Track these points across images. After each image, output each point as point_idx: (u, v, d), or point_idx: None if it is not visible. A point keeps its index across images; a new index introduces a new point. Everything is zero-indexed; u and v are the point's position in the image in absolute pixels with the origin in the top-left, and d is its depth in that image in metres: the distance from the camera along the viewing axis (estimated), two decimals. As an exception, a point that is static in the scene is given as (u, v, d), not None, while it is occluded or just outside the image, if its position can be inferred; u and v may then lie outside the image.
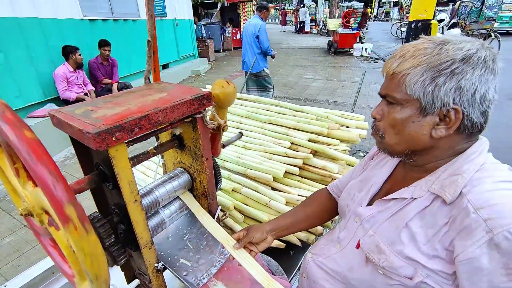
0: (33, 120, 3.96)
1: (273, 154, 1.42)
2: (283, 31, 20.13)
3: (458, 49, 0.56)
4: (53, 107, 4.23)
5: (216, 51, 11.34)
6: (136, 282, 1.00)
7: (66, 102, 4.39)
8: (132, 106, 0.72)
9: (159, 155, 1.14)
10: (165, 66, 7.54)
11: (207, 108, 0.83)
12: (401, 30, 5.80)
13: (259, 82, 4.31)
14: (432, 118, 0.59)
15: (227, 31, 12.31)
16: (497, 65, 0.57)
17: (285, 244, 1.11)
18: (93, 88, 4.68)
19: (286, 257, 1.09)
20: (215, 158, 1.05)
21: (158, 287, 0.86)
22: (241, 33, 4.28)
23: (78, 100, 4.31)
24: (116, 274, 0.98)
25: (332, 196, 1.00)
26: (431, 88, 0.57)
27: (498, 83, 0.58)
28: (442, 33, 6.95)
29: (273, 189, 1.30)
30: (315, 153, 1.40)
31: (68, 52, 4.18)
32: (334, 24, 11.95)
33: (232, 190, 1.30)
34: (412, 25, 2.46)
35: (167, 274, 0.88)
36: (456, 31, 6.93)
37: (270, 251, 1.07)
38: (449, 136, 0.60)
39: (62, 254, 0.68)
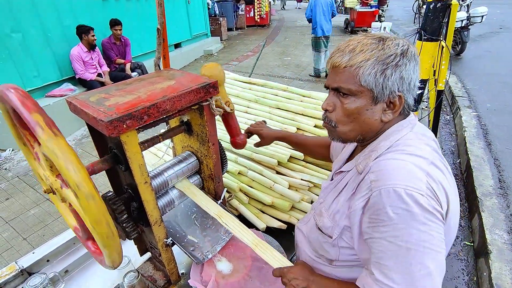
0: (51, 99, 4.10)
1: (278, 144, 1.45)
2: (299, 8, 19.32)
3: (396, 45, 0.65)
4: (69, 87, 4.35)
5: (229, 29, 11.10)
6: (148, 255, 1.09)
7: (82, 82, 4.50)
8: (142, 94, 0.76)
9: (169, 139, 1.20)
10: (177, 46, 7.50)
11: (213, 96, 0.87)
12: (419, 11, 5.45)
13: (326, 43, 5.66)
14: (381, 104, 0.68)
15: (240, 9, 11.97)
16: (417, 58, 0.69)
17: (286, 226, 1.17)
18: (108, 69, 4.75)
19: (288, 237, 1.16)
20: (221, 142, 1.09)
21: (167, 260, 0.94)
22: (313, 5, 5.38)
23: (94, 80, 4.41)
24: (130, 247, 1.07)
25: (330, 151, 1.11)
26: (382, 79, 0.65)
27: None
28: (468, 11, 6.52)
29: (277, 173, 1.35)
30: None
31: (81, 32, 4.22)
32: (352, 1, 11.39)
33: (238, 173, 1.35)
34: (431, 6, 2.34)
35: (175, 249, 0.96)
36: (484, 8, 6.50)
37: (271, 232, 1.13)
38: (395, 118, 0.70)
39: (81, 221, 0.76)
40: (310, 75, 6.32)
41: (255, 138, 1.24)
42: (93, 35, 4.29)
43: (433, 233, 0.58)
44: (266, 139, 1.19)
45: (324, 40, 5.62)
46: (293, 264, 0.82)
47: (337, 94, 0.71)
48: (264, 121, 1.28)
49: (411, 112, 0.74)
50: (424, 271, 0.58)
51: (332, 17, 5.54)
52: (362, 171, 0.69)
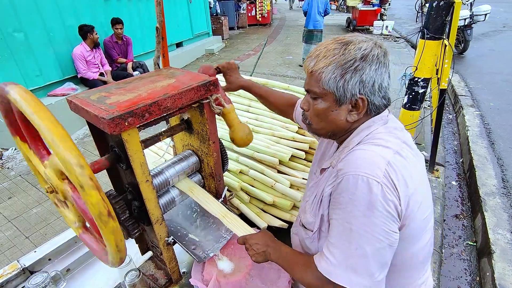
0: (53, 98, 4.11)
1: (281, 138, 1.45)
2: (300, 7, 19.31)
3: (358, 49, 0.67)
4: (71, 86, 4.36)
5: (230, 28, 11.09)
6: (149, 253, 1.09)
7: (84, 81, 4.51)
8: (142, 92, 0.76)
9: (170, 137, 1.19)
10: (178, 45, 7.50)
11: (213, 94, 0.86)
12: (421, 10, 5.45)
13: (320, 37, 6.10)
14: (346, 106, 0.72)
15: (242, 8, 11.96)
16: (387, 59, 0.70)
17: (287, 225, 1.17)
18: (110, 69, 4.75)
19: (289, 236, 1.15)
20: (222, 140, 1.09)
21: (169, 259, 0.94)
22: (308, 1, 5.96)
23: (96, 79, 4.42)
24: (131, 246, 1.07)
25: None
26: (341, 83, 0.68)
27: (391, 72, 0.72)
28: (471, 9, 6.48)
29: (279, 172, 1.34)
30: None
31: (85, 31, 4.22)
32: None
33: (240, 172, 1.35)
34: (434, 4, 2.33)
35: (177, 247, 0.96)
36: (487, 6, 6.45)
37: (273, 231, 1.13)
38: (362, 118, 0.74)
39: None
40: (300, 66, 6.77)
41: (254, 136, 1.21)
42: (96, 33, 4.30)
43: (377, 221, 0.62)
44: (232, 85, 1.16)
45: (317, 33, 6.10)
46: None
47: (309, 96, 0.77)
48: (236, 64, 1.21)
49: (386, 108, 0.77)
50: (360, 252, 0.63)
51: (324, 15, 6.04)
52: (335, 165, 0.73)
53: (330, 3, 17.85)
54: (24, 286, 1.00)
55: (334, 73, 0.68)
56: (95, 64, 4.49)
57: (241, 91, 1.78)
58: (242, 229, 0.91)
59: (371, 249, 0.63)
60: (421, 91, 2.71)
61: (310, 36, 6.15)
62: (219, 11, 10.45)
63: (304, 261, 0.76)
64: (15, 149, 3.79)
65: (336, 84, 0.69)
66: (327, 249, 0.69)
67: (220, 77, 1.18)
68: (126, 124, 0.66)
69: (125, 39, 5.00)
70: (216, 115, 0.92)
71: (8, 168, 3.51)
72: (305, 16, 6.12)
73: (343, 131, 0.77)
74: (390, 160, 0.64)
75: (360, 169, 0.63)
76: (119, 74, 4.76)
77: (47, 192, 0.71)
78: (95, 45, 4.37)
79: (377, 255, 0.63)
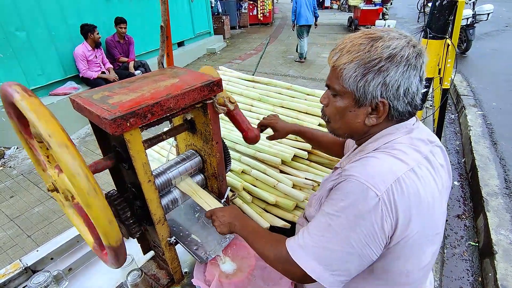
0: (55, 97, 4.12)
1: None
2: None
3: (386, 47, 0.61)
4: (73, 85, 4.36)
5: (232, 27, 11.08)
6: (151, 253, 1.09)
7: (85, 80, 4.51)
8: (145, 92, 0.75)
9: (173, 137, 1.19)
10: (180, 44, 7.50)
11: (217, 94, 0.86)
12: (423, 9, 5.45)
13: (308, 30, 6.77)
14: (365, 108, 0.67)
15: (243, 7, 11.94)
16: (420, 61, 0.63)
17: (290, 225, 1.17)
18: (112, 66, 4.76)
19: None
20: (224, 140, 1.08)
21: (171, 259, 0.94)
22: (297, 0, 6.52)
23: (99, 78, 4.42)
24: (133, 246, 1.07)
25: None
26: (362, 83, 0.63)
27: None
28: (473, 9, 6.45)
29: (281, 172, 1.34)
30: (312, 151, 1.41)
31: (86, 31, 4.22)
32: (356, -1, 11.31)
33: (242, 172, 1.34)
34: (437, 3, 2.31)
35: (179, 248, 0.95)
36: (489, 6, 6.42)
37: (275, 231, 1.12)
38: (382, 123, 0.69)
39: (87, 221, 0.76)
40: (296, 61, 7.23)
41: (268, 132, 1.22)
42: (97, 33, 4.30)
43: (358, 230, 0.59)
44: (280, 132, 1.15)
45: (306, 28, 6.72)
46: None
47: (330, 91, 0.73)
48: (277, 115, 1.22)
49: (412, 116, 0.71)
50: (329, 246, 0.62)
51: (314, 15, 6.70)
52: (344, 165, 0.71)
53: (332, 2, 17.95)
54: (26, 285, 1.00)
55: (355, 71, 0.63)
56: (97, 64, 4.49)
57: (243, 91, 1.78)
58: (211, 204, 0.95)
59: (340, 250, 0.61)
60: (423, 90, 2.69)
61: (301, 31, 6.73)
62: (220, 10, 10.43)
63: (273, 237, 0.77)
64: (17, 148, 3.80)
65: (357, 84, 0.64)
66: (301, 231, 0.68)
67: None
68: (128, 124, 0.66)
69: (127, 38, 5.00)
70: (219, 115, 0.92)
71: (10, 167, 3.52)
72: (293, 14, 6.67)
73: (361, 133, 0.72)
74: (401, 177, 0.59)
75: (365, 177, 0.60)
76: (121, 73, 4.76)
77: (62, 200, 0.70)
78: (96, 45, 4.37)
79: (343, 257, 0.61)
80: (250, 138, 1.07)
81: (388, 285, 0.70)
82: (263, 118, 1.17)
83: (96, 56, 4.44)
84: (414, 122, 0.70)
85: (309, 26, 6.74)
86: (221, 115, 0.94)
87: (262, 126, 1.16)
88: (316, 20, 6.83)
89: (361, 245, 0.60)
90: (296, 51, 7.23)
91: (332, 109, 0.72)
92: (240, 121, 1.04)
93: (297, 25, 6.64)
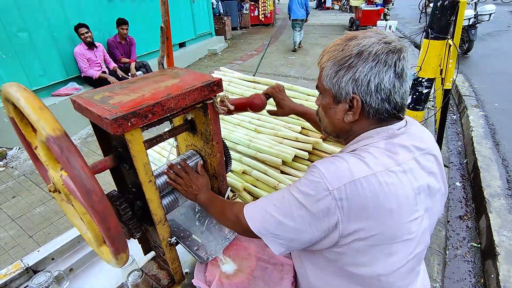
0: (57, 98, 4.13)
1: (284, 138, 1.44)
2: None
3: (356, 45, 0.64)
4: (75, 86, 4.38)
5: (233, 28, 11.09)
6: (152, 253, 1.09)
7: (87, 80, 4.53)
8: (146, 92, 0.75)
9: (173, 137, 1.19)
10: (181, 45, 7.52)
11: (217, 94, 0.86)
12: (425, 10, 5.45)
13: (302, 25, 7.83)
14: (343, 105, 0.69)
15: (244, 8, 11.96)
16: (394, 57, 0.63)
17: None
18: (116, 65, 4.77)
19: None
20: (225, 141, 1.08)
21: (171, 259, 0.94)
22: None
23: (100, 78, 4.43)
24: (134, 246, 1.07)
25: None
26: (336, 80, 0.67)
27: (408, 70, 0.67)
28: (475, 9, 6.43)
29: (282, 172, 1.34)
30: (325, 138, 1.41)
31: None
32: (357, -1, 11.31)
33: (243, 172, 1.34)
34: (439, 3, 2.31)
35: (179, 248, 0.95)
36: (491, 6, 6.40)
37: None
38: (359, 120, 0.69)
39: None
40: (292, 51, 8.21)
41: (257, 136, 1.22)
42: (82, 33, 4.19)
43: (303, 209, 0.63)
44: (285, 110, 1.11)
45: (299, 22, 7.72)
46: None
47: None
48: (283, 88, 1.16)
49: (401, 119, 0.70)
50: (274, 213, 0.67)
51: (306, 11, 7.62)
52: None
53: (333, 3, 17.97)
54: (27, 286, 1.00)
55: (331, 69, 0.67)
56: (97, 63, 4.50)
57: (244, 91, 1.78)
58: None
59: (280, 217, 0.66)
60: (425, 91, 2.69)
61: (294, 24, 7.81)
62: (221, 11, 10.45)
63: (234, 205, 0.83)
64: (19, 149, 3.81)
65: (332, 81, 0.67)
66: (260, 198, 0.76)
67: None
68: (129, 124, 0.66)
69: (128, 39, 5.02)
70: (220, 116, 0.92)
71: (12, 167, 3.53)
72: (288, 9, 7.82)
73: (344, 132, 0.74)
74: (358, 179, 0.59)
75: (325, 171, 0.62)
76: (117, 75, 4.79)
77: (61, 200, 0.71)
78: (88, 44, 4.31)
79: (285, 227, 0.66)
80: (257, 105, 1.04)
81: (359, 285, 0.69)
82: (270, 87, 1.12)
83: (96, 55, 4.44)
84: (401, 127, 0.69)
85: (302, 20, 7.70)
86: (221, 115, 0.93)
87: (266, 95, 1.11)
88: (307, 16, 7.75)
89: (302, 221, 0.63)
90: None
91: (319, 107, 0.77)
92: (243, 100, 1.03)
93: (291, 19, 7.76)
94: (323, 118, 0.77)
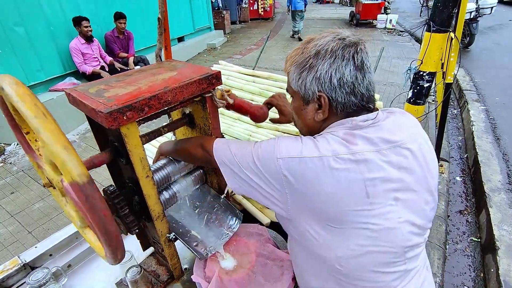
0: (55, 93, 4.09)
1: (285, 133, 1.42)
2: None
3: (314, 46, 0.67)
4: (72, 81, 4.34)
5: (232, 22, 10.99)
6: (151, 249, 1.08)
7: (85, 75, 4.48)
8: (142, 85, 0.73)
9: (171, 132, 1.17)
10: (180, 39, 7.44)
11: (216, 87, 0.84)
12: (426, 3, 5.38)
13: (302, 16, 8.57)
14: (312, 105, 0.71)
15: (243, 1, 11.83)
16: (351, 51, 0.65)
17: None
18: (112, 59, 4.71)
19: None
20: (225, 135, 1.06)
21: (170, 255, 0.93)
22: None
23: (94, 73, 4.38)
24: (133, 242, 1.06)
25: None
26: (301, 82, 0.70)
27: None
28: (477, 2, 6.36)
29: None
30: None
31: (75, 24, 4.15)
32: (358, -7, 11.19)
33: (242, 167, 1.33)
34: (440, -4, 2.27)
35: (178, 244, 0.94)
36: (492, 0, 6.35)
37: (276, 227, 1.11)
38: (329, 117, 0.71)
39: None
40: (290, 37, 9.03)
41: (256, 131, 1.21)
42: (86, 26, 4.16)
43: (257, 164, 0.68)
44: (287, 117, 1.10)
45: (299, 13, 8.45)
46: None
47: None
48: (285, 95, 1.13)
49: (371, 111, 0.70)
50: (234, 149, 0.74)
51: (304, 2, 8.43)
52: None
53: (333, -4, 17.84)
54: (25, 282, 0.99)
55: (295, 72, 0.70)
56: (94, 58, 4.44)
57: (243, 85, 1.76)
58: None
59: (235, 149, 0.74)
60: (426, 85, 2.66)
61: (294, 15, 8.51)
62: (220, 5, 10.34)
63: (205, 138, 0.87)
64: (17, 144, 3.79)
65: (298, 83, 0.70)
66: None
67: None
68: (125, 118, 0.64)
69: (126, 34, 4.96)
70: (219, 109, 0.90)
71: (10, 163, 3.51)
72: (288, 1, 8.62)
73: (316, 131, 0.74)
74: (303, 158, 0.62)
75: (282, 143, 0.66)
76: (120, 68, 4.74)
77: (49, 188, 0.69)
78: (87, 38, 4.25)
79: (241, 169, 0.71)
80: (259, 116, 1.05)
81: (330, 271, 0.68)
82: (271, 97, 1.12)
83: (92, 49, 4.38)
84: (368, 119, 0.67)
85: (301, 11, 8.44)
86: (220, 109, 0.92)
87: (268, 105, 1.11)
88: (305, 7, 8.54)
89: (252, 172, 0.69)
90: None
91: (292, 111, 0.80)
92: (246, 105, 1.03)
93: (291, 10, 8.54)
94: (297, 120, 0.80)
